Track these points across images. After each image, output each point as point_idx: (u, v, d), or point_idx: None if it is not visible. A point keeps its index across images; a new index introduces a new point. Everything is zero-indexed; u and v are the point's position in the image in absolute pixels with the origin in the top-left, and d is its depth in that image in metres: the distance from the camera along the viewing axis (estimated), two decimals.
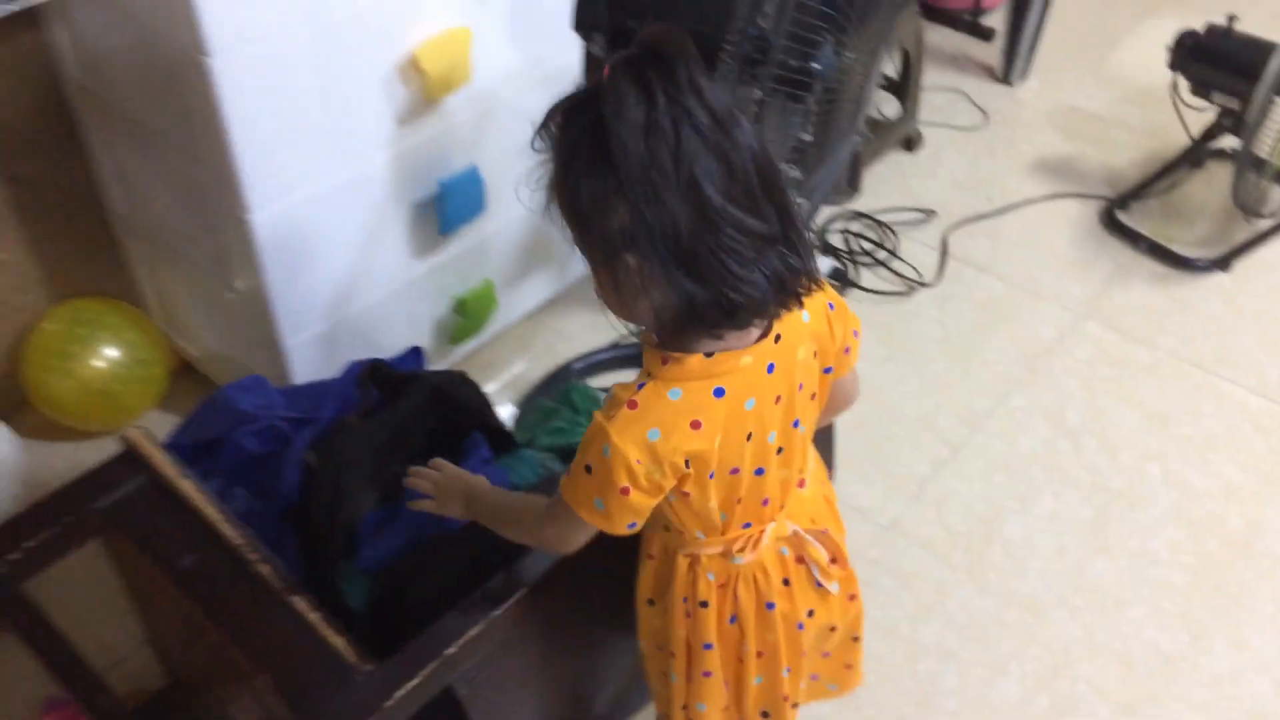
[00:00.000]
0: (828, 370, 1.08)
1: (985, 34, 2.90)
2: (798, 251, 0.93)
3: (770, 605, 1.14)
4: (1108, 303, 2.24)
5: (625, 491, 0.97)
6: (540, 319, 2.14)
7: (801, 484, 1.14)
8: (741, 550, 1.10)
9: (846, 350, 1.10)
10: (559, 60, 1.82)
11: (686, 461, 0.98)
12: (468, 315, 1.93)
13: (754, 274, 0.90)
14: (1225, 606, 1.72)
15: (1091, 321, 2.18)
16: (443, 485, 1.20)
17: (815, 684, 1.31)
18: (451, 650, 1.14)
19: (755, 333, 0.98)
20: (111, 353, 1.84)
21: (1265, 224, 2.38)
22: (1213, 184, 2.44)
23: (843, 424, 1.91)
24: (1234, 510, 1.86)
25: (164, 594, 1.41)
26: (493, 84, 1.75)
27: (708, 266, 0.88)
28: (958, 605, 1.71)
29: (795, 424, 1.05)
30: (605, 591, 1.28)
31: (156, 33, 1.44)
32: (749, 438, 1.01)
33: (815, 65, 1.36)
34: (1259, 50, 2.14)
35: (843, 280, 2.25)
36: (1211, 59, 2.25)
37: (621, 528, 1.02)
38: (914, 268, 2.28)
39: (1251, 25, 2.25)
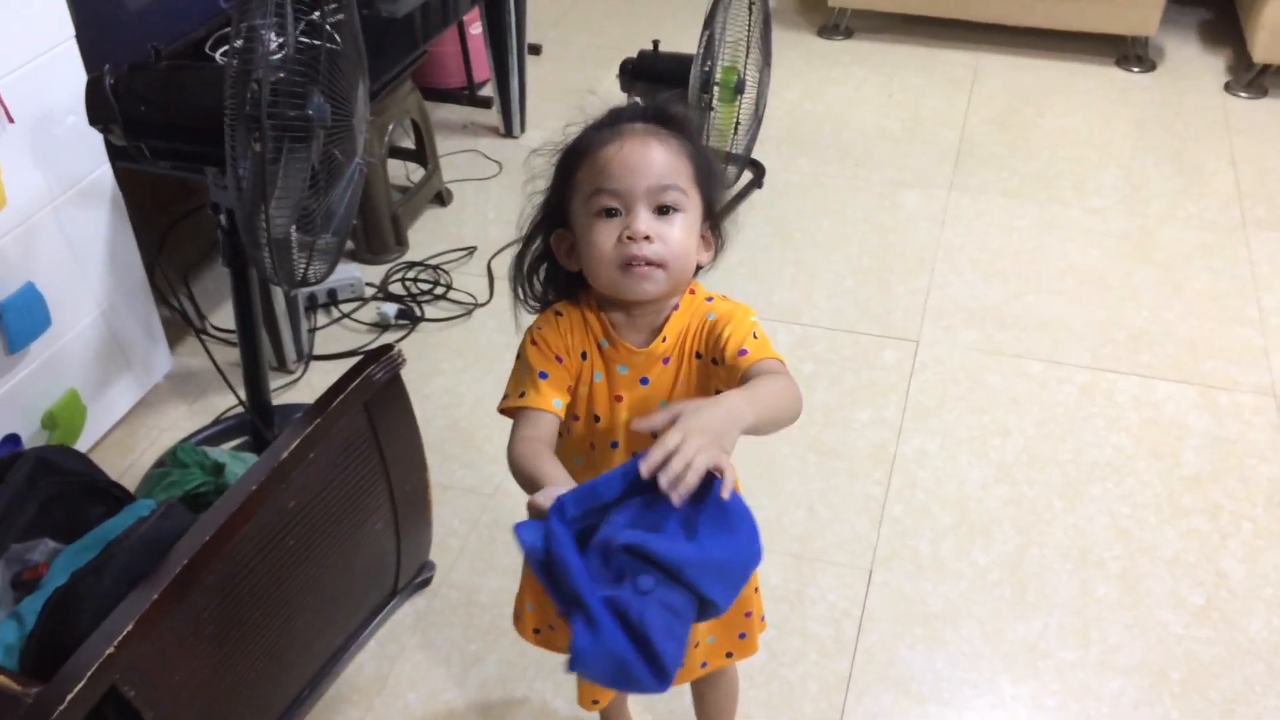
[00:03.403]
0: None
1: (484, 103, 3.36)
2: None
3: None
4: None
5: None
6: (137, 420, 2.25)
7: None
8: None
9: None
10: (93, 175, 1.98)
11: None
12: (59, 426, 2.01)
13: None
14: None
15: None
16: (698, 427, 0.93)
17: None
18: (110, 650, 1.27)
19: None
20: None
21: (730, 194, 2.95)
22: None
23: (436, 427, 2.19)
24: None
25: None
26: (31, 205, 1.88)
27: None
28: None
29: None
30: (260, 569, 1.43)
31: None
32: None
33: (309, 111, 1.65)
34: (682, 61, 2.68)
35: (411, 319, 2.53)
36: (649, 75, 2.78)
37: None
38: (470, 294, 2.62)
39: (671, 46, 2.81)
